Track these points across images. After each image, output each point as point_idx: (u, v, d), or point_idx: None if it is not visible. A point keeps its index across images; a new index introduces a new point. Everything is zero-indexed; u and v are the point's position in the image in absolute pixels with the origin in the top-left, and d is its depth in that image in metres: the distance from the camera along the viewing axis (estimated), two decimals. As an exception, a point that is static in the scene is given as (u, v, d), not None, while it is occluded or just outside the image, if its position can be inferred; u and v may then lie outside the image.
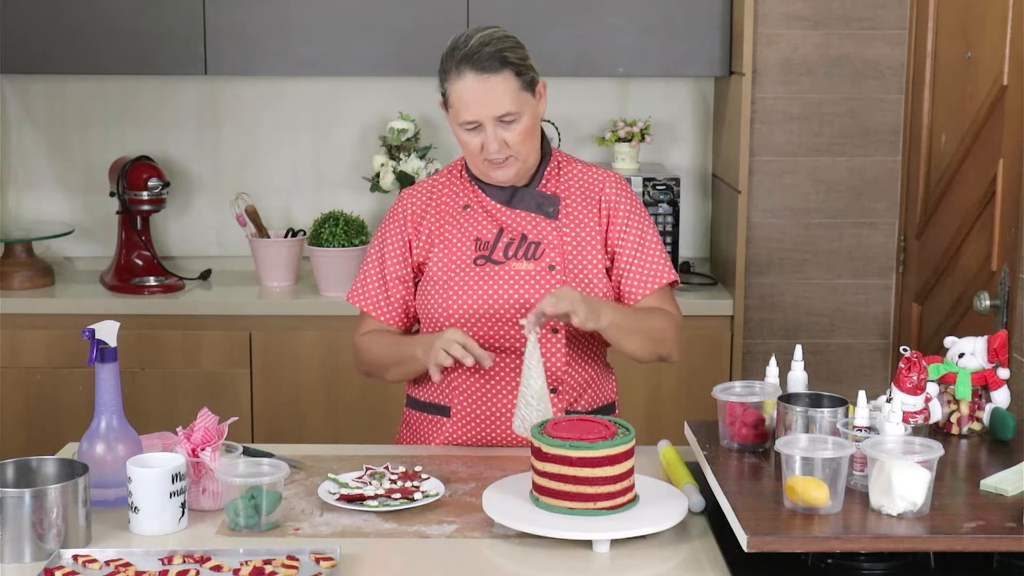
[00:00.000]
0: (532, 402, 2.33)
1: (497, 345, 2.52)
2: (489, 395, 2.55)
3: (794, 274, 3.90)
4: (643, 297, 2.56)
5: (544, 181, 2.57)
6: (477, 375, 2.54)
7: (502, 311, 2.50)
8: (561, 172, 2.60)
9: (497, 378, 2.54)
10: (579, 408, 2.59)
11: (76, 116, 4.31)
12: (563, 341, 2.52)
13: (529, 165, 2.53)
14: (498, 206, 2.55)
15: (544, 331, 2.50)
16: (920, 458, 2.00)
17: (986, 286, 3.09)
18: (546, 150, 2.59)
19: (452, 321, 2.51)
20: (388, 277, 2.59)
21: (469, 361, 2.39)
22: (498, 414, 2.55)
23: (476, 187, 2.57)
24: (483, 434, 2.57)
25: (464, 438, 2.58)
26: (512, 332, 2.51)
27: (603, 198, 2.58)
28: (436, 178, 2.63)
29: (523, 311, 2.50)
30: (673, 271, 2.60)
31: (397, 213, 2.61)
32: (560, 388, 2.54)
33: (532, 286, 2.50)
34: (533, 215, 2.54)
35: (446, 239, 2.55)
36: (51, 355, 3.86)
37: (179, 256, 4.33)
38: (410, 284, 2.59)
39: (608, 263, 2.57)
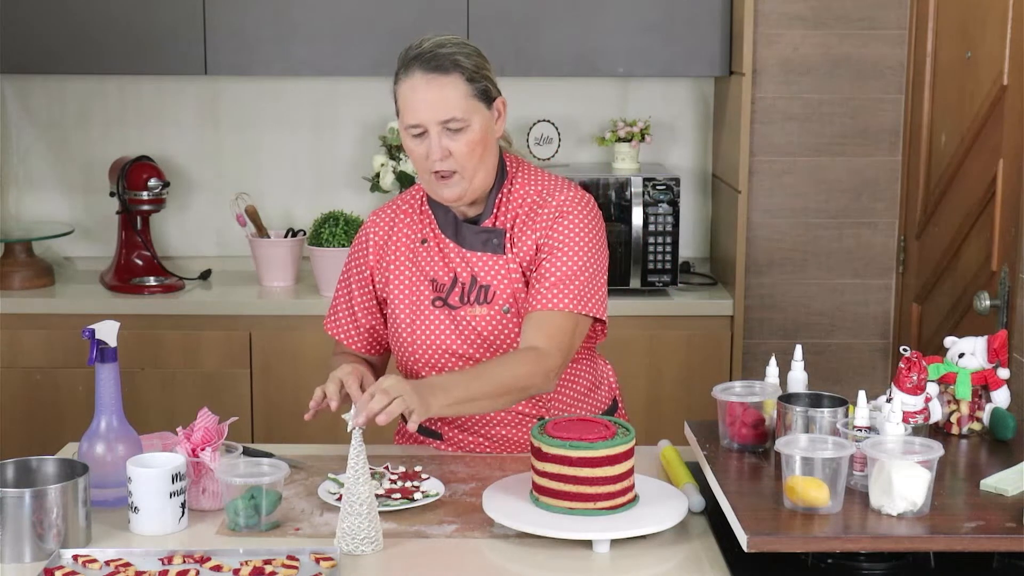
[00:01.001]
0: (362, 511, 2.05)
1: None
2: (476, 428, 2.52)
3: (794, 274, 3.90)
4: (534, 311, 2.37)
5: (495, 211, 2.43)
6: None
7: (466, 352, 2.45)
8: (512, 196, 2.44)
9: (481, 414, 2.48)
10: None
11: (76, 116, 4.31)
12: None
13: (477, 186, 2.38)
14: (450, 244, 2.45)
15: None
16: (920, 458, 2.00)
17: (986, 286, 3.09)
18: (501, 176, 2.44)
19: (417, 359, 2.47)
20: (355, 306, 2.55)
21: (333, 405, 2.20)
22: (489, 439, 2.53)
23: (433, 218, 2.47)
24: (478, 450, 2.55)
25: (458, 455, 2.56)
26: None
27: (548, 214, 2.41)
28: (400, 204, 2.53)
29: (488, 348, 2.43)
30: (583, 303, 2.37)
31: (360, 245, 2.55)
32: (551, 406, 2.50)
33: (490, 332, 2.43)
34: (479, 254, 2.43)
35: (403, 275, 2.48)
36: (51, 355, 3.86)
37: (179, 256, 4.33)
38: (377, 313, 2.54)
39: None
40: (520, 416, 2.51)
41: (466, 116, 2.33)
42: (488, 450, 2.54)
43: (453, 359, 2.46)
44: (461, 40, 2.40)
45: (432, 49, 2.34)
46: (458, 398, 2.24)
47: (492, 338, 2.44)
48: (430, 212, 2.49)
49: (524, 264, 2.44)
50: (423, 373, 2.48)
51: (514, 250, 2.44)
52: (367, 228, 2.55)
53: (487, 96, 2.37)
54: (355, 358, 2.55)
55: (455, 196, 2.39)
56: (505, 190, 2.46)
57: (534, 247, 2.42)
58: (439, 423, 2.56)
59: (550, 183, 2.48)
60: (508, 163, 2.48)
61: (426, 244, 2.48)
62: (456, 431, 2.54)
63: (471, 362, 2.45)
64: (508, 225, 2.44)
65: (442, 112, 2.32)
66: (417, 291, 2.47)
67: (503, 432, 2.52)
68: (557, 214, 2.42)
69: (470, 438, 2.54)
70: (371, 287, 2.53)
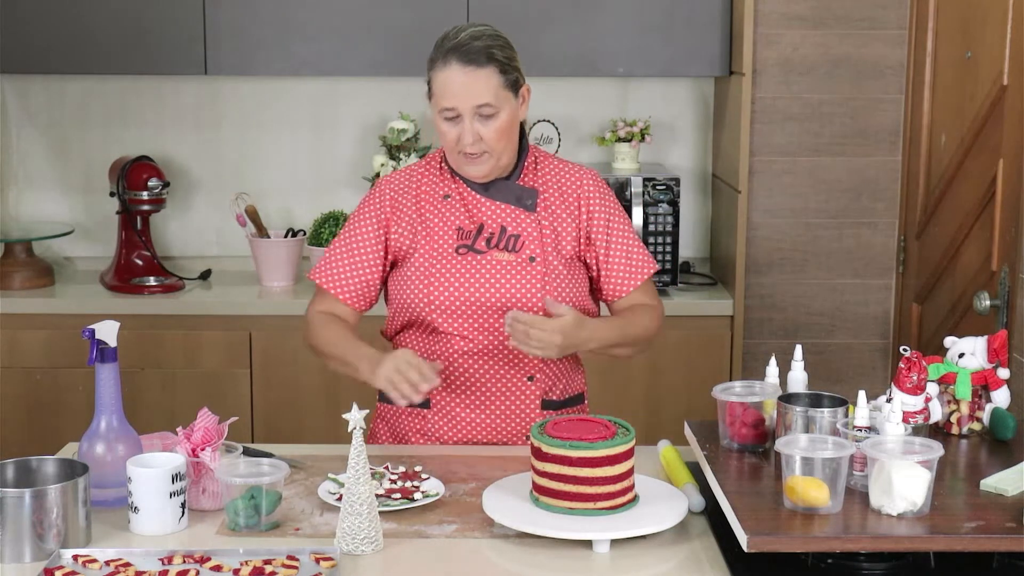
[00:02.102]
0: (362, 511, 2.05)
1: (478, 334, 2.54)
2: (469, 385, 2.57)
3: (794, 274, 3.90)
4: (627, 294, 2.64)
5: (523, 175, 2.61)
6: (454, 364, 2.56)
7: (483, 300, 2.54)
8: (539, 167, 2.64)
9: (474, 369, 2.56)
10: (553, 397, 2.62)
11: (76, 116, 4.31)
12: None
13: (503, 164, 2.56)
14: (478, 197, 2.59)
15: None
16: (920, 458, 2.00)
17: (986, 286, 3.09)
18: (524, 147, 2.63)
19: (432, 308, 2.54)
20: (357, 257, 2.60)
21: (425, 387, 2.39)
22: (480, 404, 2.58)
23: (456, 177, 2.61)
24: (465, 425, 2.59)
25: (446, 429, 2.59)
26: (492, 321, 2.54)
27: (581, 195, 2.62)
28: (415, 167, 2.66)
29: (503, 301, 2.54)
30: (652, 260, 2.68)
31: (375, 197, 2.63)
32: (536, 376, 2.58)
33: (513, 277, 2.54)
34: (512, 207, 2.58)
35: (428, 228, 2.58)
36: (51, 355, 3.86)
37: (179, 256, 4.33)
38: (379, 267, 2.61)
39: (588, 257, 2.63)
40: (504, 373, 2.57)
41: (497, 104, 2.50)
42: (473, 413, 2.57)
43: (463, 309, 2.53)
44: (493, 31, 2.54)
45: (469, 41, 2.49)
46: (604, 340, 2.55)
47: (512, 285, 2.54)
48: (450, 173, 2.61)
49: (563, 229, 2.59)
50: (437, 321, 2.54)
51: (550, 211, 2.60)
52: (382, 185, 2.65)
53: (516, 85, 2.54)
54: (338, 320, 2.60)
55: (482, 174, 2.56)
56: (531, 159, 2.64)
57: (585, 212, 2.61)
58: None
59: (562, 160, 2.68)
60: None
61: (449, 199, 2.59)
62: (443, 391, 2.58)
63: (488, 311, 2.54)
64: (541, 188, 2.61)
65: (476, 98, 2.49)
66: (441, 240, 2.57)
67: (489, 391, 2.57)
68: (595, 190, 2.63)
69: (456, 400, 2.58)
70: (383, 239, 2.60)
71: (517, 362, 2.57)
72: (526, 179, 2.61)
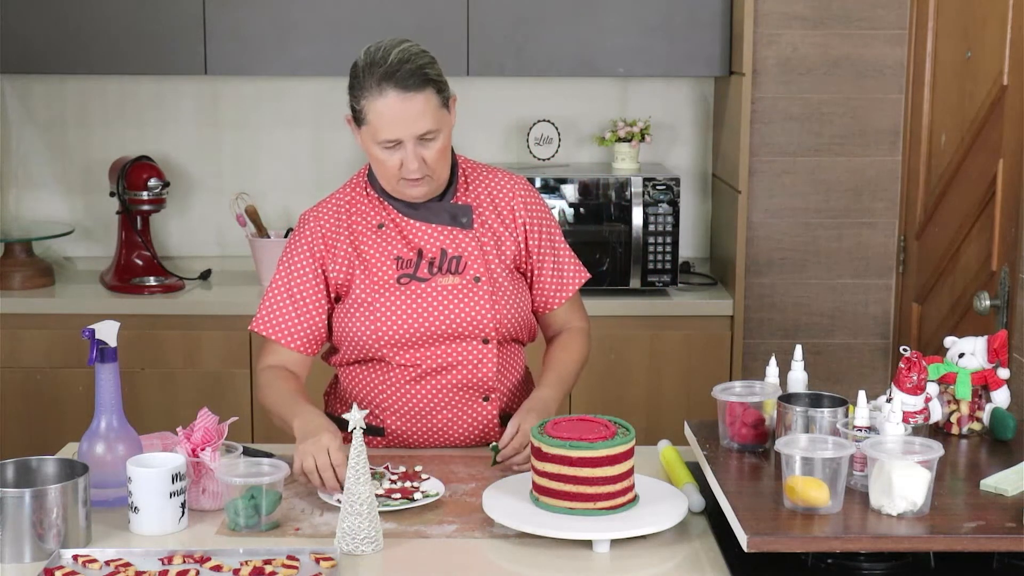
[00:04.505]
0: (362, 511, 2.05)
1: (430, 365, 2.50)
2: (422, 415, 2.54)
3: (794, 274, 3.90)
4: (560, 304, 2.63)
5: (456, 193, 2.54)
6: (409, 394, 2.52)
7: (433, 328, 2.48)
8: (469, 182, 2.57)
9: (429, 397, 2.52)
10: (511, 411, 2.58)
11: (76, 116, 4.31)
12: (494, 351, 2.52)
13: (442, 181, 2.49)
14: (412, 223, 2.51)
15: (475, 342, 2.50)
16: (920, 458, 2.00)
17: (986, 286, 3.09)
18: (454, 162, 2.55)
19: (381, 344, 2.48)
20: (299, 301, 2.51)
21: (320, 482, 2.26)
22: (433, 432, 2.55)
23: (386, 204, 2.52)
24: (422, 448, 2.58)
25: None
26: (444, 350, 2.49)
27: (515, 205, 2.57)
28: (339, 196, 2.56)
29: (454, 326, 2.48)
30: (583, 269, 2.67)
31: (305, 234, 2.53)
32: (492, 396, 2.55)
33: (461, 300, 2.49)
34: (448, 228, 2.51)
35: (365, 260, 2.50)
36: (51, 355, 3.86)
37: (179, 256, 4.33)
38: (324, 307, 2.52)
39: (526, 270, 2.60)
40: (460, 398, 2.54)
41: (438, 127, 2.42)
42: (431, 439, 2.56)
43: (413, 341, 2.48)
44: (416, 47, 2.43)
45: (399, 65, 2.37)
46: (561, 394, 2.56)
47: (461, 309, 2.49)
48: (380, 199, 2.53)
49: (502, 241, 2.55)
50: (387, 355, 2.49)
51: (487, 226, 2.54)
52: (308, 221, 2.54)
53: (447, 102, 2.46)
54: (284, 376, 2.51)
55: (423, 195, 2.48)
56: (462, 174, 2.57)
57: (521, 224, 2.57)
58: (381, 415, 2.55)
59: (488, 168, 2.62)
60: None
61: (383, 228, 2.52)
62: (398, 420, 2.55)
63: (439, 339, 2.48)
64: (474, 203, 2.55)
65: (419, 127, 2.39)
66: (380, 272, 2.49)
67: (446, 416, 2.54)
68: (528, 199, 2.60)
69: (413, 428, 2.55)
70: (322, 276, 2.52)
71: (471, 385, 2.52)
72: (459, 196, 2.54)
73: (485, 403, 2.55)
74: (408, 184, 2.45)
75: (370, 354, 2.51)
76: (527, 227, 2.57)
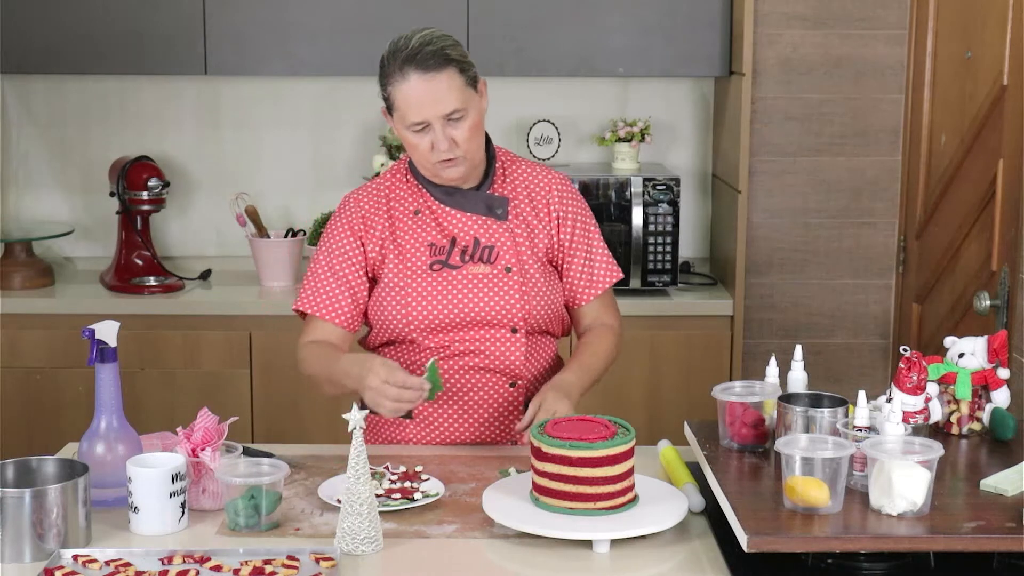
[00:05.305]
0: (362, 511, 2.05)
1: (459, 349, 2.53)
2: (451, 395, 2.56)
3: (794, 274, 3.90)
4: (588, 301, 2.64)
5: (493, 183, 2.57)
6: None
7: (462, 315, 2.52)
8: (507, 173, 2.60)
9: (457, 377, 2.55)
10: None
11: (76, 116, 4.31)
12: (523, 339, 2.54)
13: (476, 163, 2.52)
14: (448, 210, 2.54)
15: (503, 331, 2.53)
16: (920, 458, 2.00)
17: (986, 286, 3.09)
18: (491, 152, 2.59)
19: (412, 328, 2.52)
20: (341, 276, 2.54)
21: (408, 398, 2.31)
22: (463, 413, 2.57)
23: (424, 191, 2.56)
24: (449, 433, 2.59)
25: (429, 437, 2.59)
26: (472, 335, 2.53)
27: (551, 200, 2.59)
28: (380, 181, 2.61)
29: (482, 315, 2.51)
30: (617, 268, 2.67)
31: (347, 213, 2.58)
32: (519, 383, 2.57)
33: (490, 289, 2.52)
34: (483, 218, 2.54)
35: (399, 245, 2.54)
36: (51, 355, 3.86)
37: (179, 256, 4.33)
38: (365, 284, 2.56)
39: (558, 263, 2.62)
40: (487, 380, 2.56)
41: (465, 105, 2.45)
42: (458, 420, 2.57)
43: (443, 326, 2.51)
44: (439, 32, 2.48)
45: (420, 48, 2.43)
46: (588, 383, 2.56)
47: (490, 298, 2.51)
48: (419, 185, 2.57)
49: (536, 235, 2.57)
50: (417, 338, 2.52)
51: (521, 218, 2.56)
52: (349, 202, 2.59)
53: (475, 81, 2.49)
54: (329, 346, 2.54)
55: (460, 176, 2.51)
56: (500, 165, 2.60)
57: (555, 217, 2.59)
58: None
59: (527, 162, 2.65)
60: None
61: (419, 215, 2.55)
62: (428, 406, 2.56)
63: (468, 325, 2.51)
64: (511, 195, 2.57)
65: (445, 106, 2.42)
66: (413, 258, 2.53)
67: (473, 398, 2.56)
68: (565, 194, 2.61)
69: (440, 409, 2.57)
70: (362, 256, 2.55)
71: (498, 369, 2.55)
72: (496, 187, 2.57)
73: (511, 388, 2.57)
74: (442, 166, 2.47)
75: (400, 336, 2.55)
76: (560, 220, 2.60)
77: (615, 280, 2.66)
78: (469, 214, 2.54)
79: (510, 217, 2.56)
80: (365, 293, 2.57)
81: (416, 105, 2.42)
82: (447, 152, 2.44)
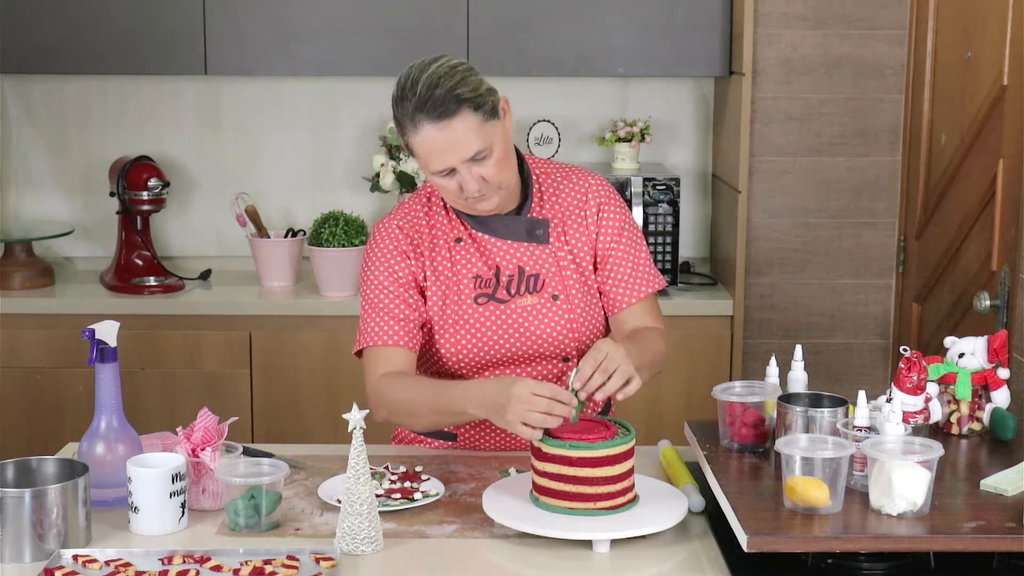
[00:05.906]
0: (362, 511, 2.04)
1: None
2: (496, 426, 2.47)
3: (794, 274, 3.90)
4: (628, 306, 2.49)
5: (532, 206, 2.47)
6: None
7: (513, 349, 2.44)
8: (544, 190, 2.49)
9: None
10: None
11: (76, 116, 4.31)
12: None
13: (511, 188, 2.41)
14: (489, 239, 2.45)
15: (555, 361, 2.47)
16: (920, 458, 2.00)
17: (986, 286, 3.09)
18: (525, 171, 2.48)
19: (461, 364, 2.44)
20: (399, 297, 2.42)
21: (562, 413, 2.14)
22: (506, 441, 2.54)
23: (462, 219, 2.46)
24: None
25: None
26: (523, 371, 2.46)
27: (589, 204, 2.50)
28: (414, 205, 2.49)
29: (534, 348, 2.44)
30: (660, 277, 2.55)
31: (390, 237, 2.46)
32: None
33: (539, 320, 2.44)
34: (525, 244, 2.45)
35: (441, 273, 2.45)
36: (51, 355, 3.86)
37: (179, 256, 4.33)
38: (420, 301, 2.44)
39: (599, 266, 2.52)
40: None
41: (487, 144, 2.31)
42: (503, 444, 2.54)
43: (494, 362, 2.44)
44: (446, 65, 2.31)
45: (429, 94, 2.26)
46: (632, 352, 2.27)
47: (539, 328, 2.44)
48: (455, 213, 2.47)
49: (578, 251, 2.48)
50: (465, 376, 2.46)
51: (563, 238, 2.48)
52: (390, 228, 2.47)
53: (494, 110, 2.34)
54: (419, 377, 2.45)
55: (494, 207, 2.39)
56: (536, 183, 2.49)
57: (594, 223, 2.49)
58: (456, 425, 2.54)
59: (564, 169, 2.55)
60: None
61: (461, 243, 2.46)
62: (470, 428, 2.53)
63: (516, 359, 2.44)
64: (550, 216, 2.48)
65: (465, 151, 2.29)
66: (457, 291, 2.44)
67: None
68: (605, 199, 2.52)
69: (483, 438, 2.54)
70: (413, 272, 2.44)
71: None
72: (535, 208, 2.47)
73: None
74: (475, 200, 2.36)
75: (445, 371, 2.48)
76: (599, 224, 2.49)
77: (656, 288, 2.52)
78: (510, 242, 2.45)
79: (552, 239, 2.47)
80: (420, 311, 2.45)
81: (437, 154, 2.29)
82: (476, 192, 2.33)
